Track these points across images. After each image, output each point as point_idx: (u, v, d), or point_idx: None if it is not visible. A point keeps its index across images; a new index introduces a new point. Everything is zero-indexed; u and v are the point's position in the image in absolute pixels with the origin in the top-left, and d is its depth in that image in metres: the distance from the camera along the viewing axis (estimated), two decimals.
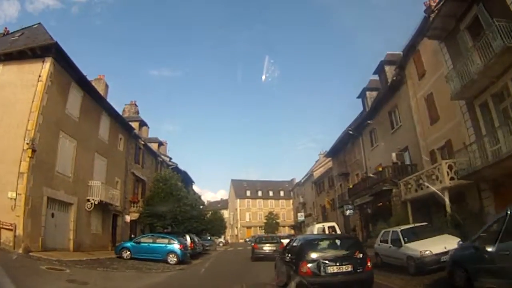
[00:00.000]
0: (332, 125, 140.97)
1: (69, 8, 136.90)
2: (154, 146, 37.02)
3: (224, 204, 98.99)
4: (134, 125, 30.00)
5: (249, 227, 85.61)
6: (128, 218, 25.66)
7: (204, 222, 33.28)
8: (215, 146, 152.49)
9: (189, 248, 21.98)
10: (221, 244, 50.05)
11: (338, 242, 9.01)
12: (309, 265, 7.61)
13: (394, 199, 20.11)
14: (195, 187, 48.93)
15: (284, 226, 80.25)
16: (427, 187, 15.58)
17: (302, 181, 60.09)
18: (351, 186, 27.76)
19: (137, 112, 36.25)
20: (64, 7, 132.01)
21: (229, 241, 67.46)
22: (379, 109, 26.22)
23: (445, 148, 17.31)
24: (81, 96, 19.86)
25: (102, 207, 21.70)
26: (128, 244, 19.01)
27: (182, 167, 39.98)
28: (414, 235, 12.19)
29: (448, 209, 14.48)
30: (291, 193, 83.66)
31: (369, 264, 7.98)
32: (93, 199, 19.92)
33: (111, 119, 24.37)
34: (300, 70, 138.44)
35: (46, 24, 22.79)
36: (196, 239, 26.19)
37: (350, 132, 31.57)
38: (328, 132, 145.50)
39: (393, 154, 21.93)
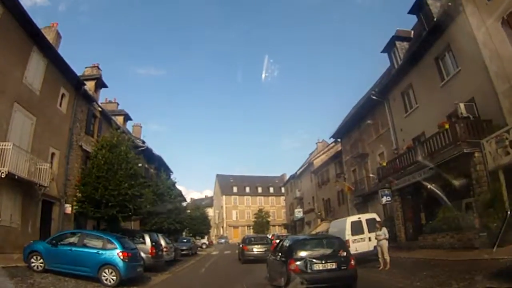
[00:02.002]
0: (318, 125, 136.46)
1: (56, 6, 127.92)
2: (119, 119, 29.15)
3: (209, 201, 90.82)
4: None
5: (236, 227, 77.63)
6: (69, 209, 17.71)
7: (181, 219, 25.35)
8: (201, 146, 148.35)
9: (150, 255, 14.33)
10: (204, 246, 42.27)
11: (324, 241, 9.67)
12: (297, 263, 8.24)
13: (477, 167, 12.92)
14: (181, 187, 41.29)
15: (275, 226, 72.91)
16: None
17: (297, 173, 52.67)
18: (384, 164, 20.37)
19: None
20: (51, 4, 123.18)
21: (214, 242, 59.39)
22: (419, 58, 19.40)
23: None
24: None
25: (22, 187, 13.98)
26: (40, 246, 11.14)
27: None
28: None
29: None
30: (282, 189, 76.61)
31: (352, 262, 8.52)
32: None
33: (47, 62, 16.65)
34: (290, 68, 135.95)
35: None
36: (165, 241, 18.40)
37: (374, 96, 24.26)
38: (313, 132, 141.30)
39: (461, 105, 14.83)
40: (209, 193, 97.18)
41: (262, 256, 18.04)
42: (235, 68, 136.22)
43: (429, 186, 14.91)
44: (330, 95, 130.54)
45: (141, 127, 36.53)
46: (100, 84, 25.15)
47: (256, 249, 20.20)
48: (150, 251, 14.70)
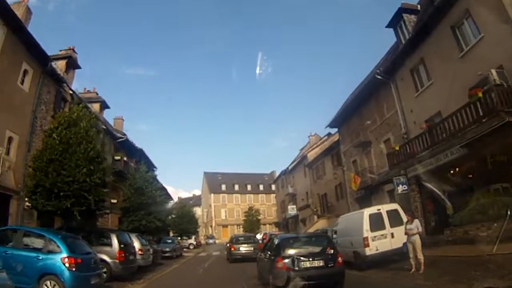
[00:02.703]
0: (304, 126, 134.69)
1: (46, 6, 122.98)
2: (95, 107, 25.98)
3: (197, 200, 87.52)
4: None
5: (225, 226, 74.49)
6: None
7: (162, 216, 22.13)
8: (189, 145, 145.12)
9: (117, 260, 11.40)
10: (191, 247, 39.14)
11: (311, 239, 9.94)
12: (285, 260, 8.31)
13: None
14: (169, 187, 38.21)
15: (265, 224, 70.04)
16: None
17: (289, 167, 49.85)
18: (397, 148, 17.69)
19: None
20: (41, 5, 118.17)
21: (202, 242, 56.09)
22: (431, 28, 16.90)
23: None
24: None
25: None
26: None
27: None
28: None
29: None
30: (273, 186, 73.84)
31: (339, 259, 8.58)
32: None
33: (7, 31, 13.88)
34: (279, 66, 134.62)
35: None
36: (139, 243, 15.34)
37: (379, 76, 21.58)
38: (301, 131, 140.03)
39: (493, 72, 12.41)
40: (198, 192, 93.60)
41: (249, 255, 19.03)
42: (225, 68, 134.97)
43: (457, 168, 12.26)
44: (320, 92, 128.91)
45: (123, 120, 33.85)
46: (72, 64, 21.83)
47: (243, 248, 20.38)
48: (117, 255, 11.66)
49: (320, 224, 30.00)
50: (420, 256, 10.03)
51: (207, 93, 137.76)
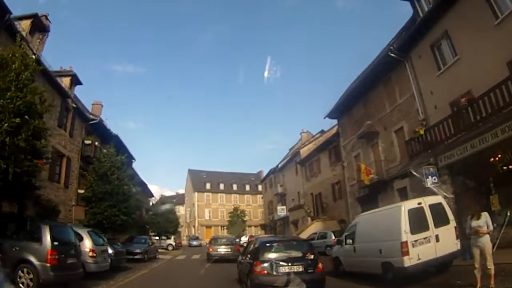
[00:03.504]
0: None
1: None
2: (65, 82, 22.19)
3: (180, 199, 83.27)
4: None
5: (208, 226, 70.52)
6: None
7: (129, 210, 18.19)
8: (175, 144, 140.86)
9: (47, 264, 8.01)
10: (170, 248, 35.38)
11: (292, 244, 9.60)
12: (263, 265, 8.18)
13: None
14: (154, 186, 34.60)
15: (251, 226, 66.57)
16: None
17: (279, 166, 46.54)
18: (421, 132, 14.58)
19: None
20: None
21: (185, 243, 52.14)
22: None
23: None
24: None
25: None
26: None
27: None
28: None
29: None
30: (259, 187, 70.45)
31: (320, 265, 8.43)
32: None
33: None
34: (265, 67, 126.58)
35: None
36: (91, 241, 11.69)
37: (392, 54, 18.60)
38: (287, 134, 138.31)
39: None
40: (182, 191, 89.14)
41: (227, 256, 19.99)
42: (215, 68, 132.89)
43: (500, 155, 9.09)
44: (309, 92, 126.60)
45: (101, 105, 30.15)
46: (39, 26, 18.20)
47: (221, 250, 20.86)
48: (48, 256, 8.10)
49: (314, 227, 26.70)
50: (491, 266, 6.83)
51: (195, 93, 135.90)
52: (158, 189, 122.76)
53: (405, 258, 8.23)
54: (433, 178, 12.63)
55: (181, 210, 78.03)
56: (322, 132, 39.65)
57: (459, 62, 14.63)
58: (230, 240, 23.11)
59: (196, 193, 72.90)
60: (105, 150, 21.17)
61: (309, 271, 8.13)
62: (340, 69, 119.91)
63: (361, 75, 23.70)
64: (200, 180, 74.82)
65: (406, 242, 8.30)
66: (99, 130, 25.51)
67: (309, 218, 30.12)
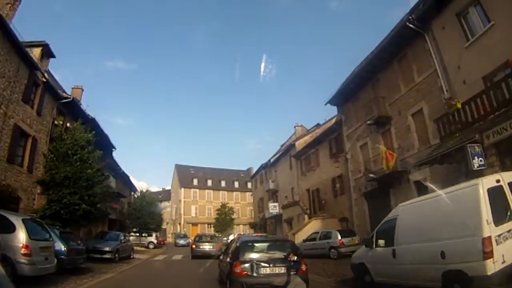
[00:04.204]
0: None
1: None
2: (35, 53, 19.16)
3: (166, 195, 79.89)
4: None
5: (195, 224, 67.14)
6: None
7: (96, 197, 14.76)
8: (164, 140, 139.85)
9: None
10: (151, 246, 32.17)
11: (274, 244, 9.03)
12: (243, 265, 7.77)
13: None
14: (142, 183, 32.13)
15: (239, 225, 63.58)
16: None
17: (271, 160, 43.58)
18: (458, 106, 11.83)
19: None
20: None
21: (170, 241, 48.72)
22: None
23: None
24: None
25: None
26: None
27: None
28: None
29: None
30: (249, 184, 67.48)
31: (303, 267, 8.05)
32: None
33: None
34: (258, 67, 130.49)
35: None
36: (27, 235, 8.49)
37: (411, 25, 16.05)
38: (277, 135, 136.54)
39: None
40: (169, 187, 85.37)
41: (208, 252, 20.66)
42: (206, 66, 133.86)
43: None
44: (301, 91, 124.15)
45: (82, 90, 27.82)
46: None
47: (204, 246, 21.73)
48: None
49: (312, 226, 23.75)
50: None
51: (185, 91, 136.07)
52: (146, 186, 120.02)
53: (488, 262, 5.36)
54: (479, 159, 9.81)
55: (166, 207, 74.73)
56: (318, 125, 36.87)
57: (493, 29, 12.25)
58: (215, 238, 24.60)
59: (182, 189, 69.50)
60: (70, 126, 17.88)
61: (292, 273, 7.71)
62: (335, 70, 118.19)
63: (369, 56, 20.86)
64: (187, 176, 71.51)
65: (490, 238, 5.45)
66: (73, 112, 22.22)
67: (305, 216, 27.16)
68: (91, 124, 25.00)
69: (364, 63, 21.00)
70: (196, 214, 69.01)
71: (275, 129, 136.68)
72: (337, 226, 22.66)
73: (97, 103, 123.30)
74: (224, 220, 55.57)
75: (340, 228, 21.71)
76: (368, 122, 20.32)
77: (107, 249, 16.53)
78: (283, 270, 7.69)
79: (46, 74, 20.33)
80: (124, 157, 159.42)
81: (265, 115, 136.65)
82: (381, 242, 8.32)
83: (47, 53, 22.50)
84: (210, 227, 61.88)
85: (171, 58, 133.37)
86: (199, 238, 23.45)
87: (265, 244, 8.80)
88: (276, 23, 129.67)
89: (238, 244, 9.01)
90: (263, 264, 7.74)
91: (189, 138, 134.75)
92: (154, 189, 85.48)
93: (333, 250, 17.22)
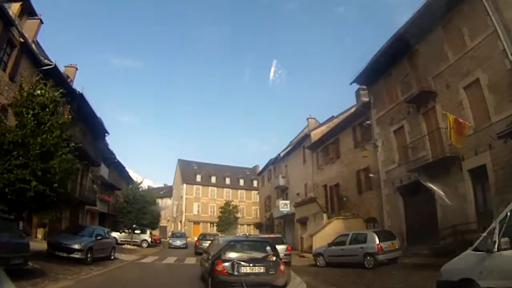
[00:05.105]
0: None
1: None
2: (13, 9, 16.91)
3: (168, 191, 76.27)
4: None
5: (197, 222, 63.30)
6: None
7: (53, 176, 10.82)
8: (169, 138, 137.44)
9: None
10: (144, 245, 28.49)
11: (254, 244, 9.40)
12: (224, 264, 7.95)
13: None
14: (147, 180, 30.14)
15: (243, 225, 59.79)
16: None
17: (281, 154, 39.71)
18: None
19: None
20: None
21: (165, 239, 45.01)
22: None
23: None
24: None
25: None
26: None
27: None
28: None
29: None
30: (255, 182, 63.60)
31: (281, 267, 8.25)
32: None
33: None
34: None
35: None
36: None
37: None
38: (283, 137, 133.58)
39: None
40: (171, 183, 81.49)
41: None
42: (214, 65, 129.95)
43: None
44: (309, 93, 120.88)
45: (76, 68, 25.54)
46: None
47: (205, 244, 20.78)
48: None
49: (334, 227, 19.82)
50: None
51: (193, 90, 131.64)
52: (151, 183, 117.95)
53: None
54: None
55: (168, 204, 71.11)
56: (332, 118, 32.92)
57: None
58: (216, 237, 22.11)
59: (185, 185, 65.77)
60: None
61: (271, 272, 7.99)
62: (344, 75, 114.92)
63: (403, 26, 16.89)
64: (190, 172, 67.80)
65: None
66: (58, 86, 18.61)
67: (324, 216, 23.21)
68: (78, 99, 21.50)
69: (395, 37, 17.02)
70: (198, 212, 65.24)
71: (282, 131, 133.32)
72: (363, 228, 18.82)
73: (103, 100, 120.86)
74: (227, 219, 51.91)
75: (365, 230, 17.79)
76: (406, 100, 16.49)
77: (76, 246, 12.89)
78: (262, 269, 7.98)
79: (26, 36, 17.15)
80: (129, 155, 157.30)
81: (271, 116, 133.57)
82: (505, 241, 4.53)
83: (28, 10, 19.65)
84: (213, 226, 58.06)
85: (178, 57, 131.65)
86: (203, 237, 25.72)
87: (246, 244, 9.22)
88: (285, 27, 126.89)
89: (220, 243, 9.47)
90: (243, 263, 7.95)
91: (193, 134, 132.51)
92: (157, 185, 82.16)
93: (369, 257, 13.19)
